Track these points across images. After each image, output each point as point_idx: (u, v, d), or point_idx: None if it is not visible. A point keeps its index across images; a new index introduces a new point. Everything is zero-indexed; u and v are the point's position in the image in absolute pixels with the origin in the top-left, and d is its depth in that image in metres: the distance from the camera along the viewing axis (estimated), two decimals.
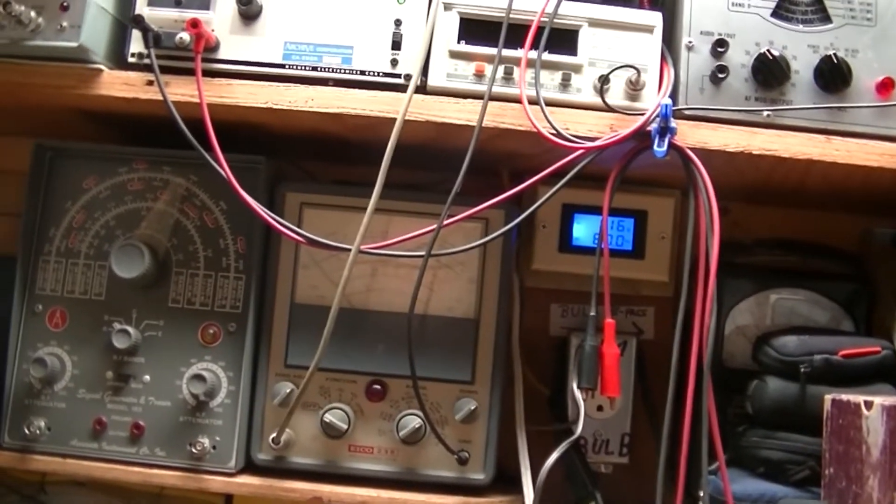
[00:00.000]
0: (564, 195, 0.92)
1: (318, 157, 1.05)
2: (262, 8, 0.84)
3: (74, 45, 0.80)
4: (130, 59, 0.83)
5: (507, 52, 0.82)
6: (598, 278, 0.83)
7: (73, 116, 0.91)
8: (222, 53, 0.84)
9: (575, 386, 0.86)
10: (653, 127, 0.79)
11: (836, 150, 0.81)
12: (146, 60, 0.82)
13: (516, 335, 0.96)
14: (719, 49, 0.83)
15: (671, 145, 0.79)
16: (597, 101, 0.82)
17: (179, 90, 0.82)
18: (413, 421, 0.87)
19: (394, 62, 0.84)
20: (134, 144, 0.92)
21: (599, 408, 0.97)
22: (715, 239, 0.78)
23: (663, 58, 0.84)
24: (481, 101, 0.80)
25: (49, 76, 0.82)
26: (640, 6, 0.88)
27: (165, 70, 0.82)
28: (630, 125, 0.79)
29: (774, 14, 0.84)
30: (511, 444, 0.92)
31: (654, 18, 0.85)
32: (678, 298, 0.80)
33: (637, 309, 1.05)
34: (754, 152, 0.81)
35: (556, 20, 0.82)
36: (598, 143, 0.79)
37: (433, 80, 0.83)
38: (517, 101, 0.81)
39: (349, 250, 0.81)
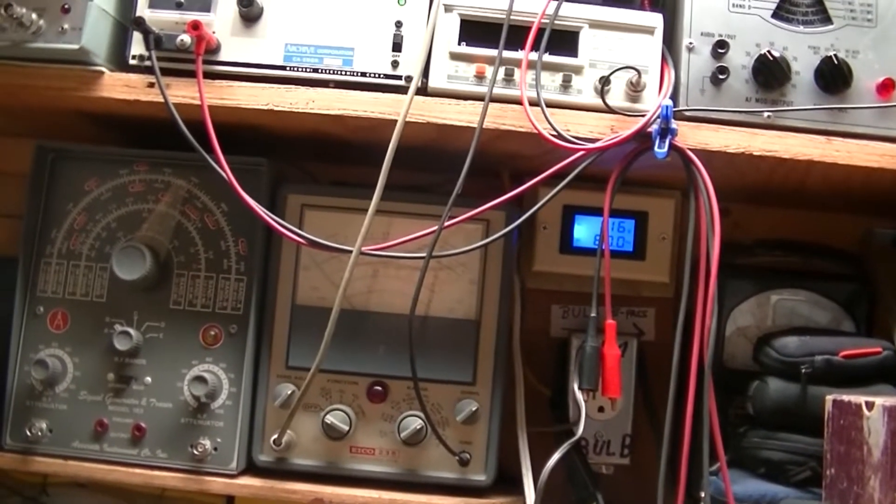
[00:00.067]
0: (565, 196, 0.92)
1: (318, 158, 1.05)
2: (262, 10, 0.84)
3: (76, 47, 0.80)
4: (131, 62, 0.84)
5: (507, 54, 0.82)
6: (599, 279, 0.83)
7: (74, 118, 0.91)
8: (223, 55, 0.84)
9: (576, 387, 0.86)
10: (653, 128, 0.79)
11: (836, 150, 0.81)
12: (147, 62, 0.82)
13: (517, 336, 0.96)
14: (720, 50, 0.83)
15: (672, 146, 0.79)
16: (597, 102, 0.82)
17: (180, 92, 0.82)
18: (414, 422, 0.87)
19: (394, 64, 0.84)
20: (135, 146, 0.92)
21: (600, 409, 0.97)
22: (716, 240, 0.78)
23: (664, 59, 0.84)
24: (482, 102, 0.80)
25: (50, 78, 0.82)
26: (641, 7, 0.88)
27: (166, 72, 0.82)
28: (631, 126, 0.79)
29: (775, 15, 0.84)
30: (512, 446, 0.92)
31: (655, 20, 0.85)
32: (679, 299, 0.81)
33: (638, 310, 1.05)
34: (755, 153, 0.81)
35: (556, 21, 0.83)
36: (598, 144, 0.79)
37: (434, 82, 0.83)
38: (518, 102, 0.81)
39: (350, 252, 0.81)
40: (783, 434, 0.84)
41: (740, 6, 0.84)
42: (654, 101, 0.82)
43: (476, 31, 0.84)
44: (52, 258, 0.90)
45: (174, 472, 0.87)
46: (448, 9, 0.84)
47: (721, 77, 0.83)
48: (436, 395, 0.89)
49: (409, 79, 0.83)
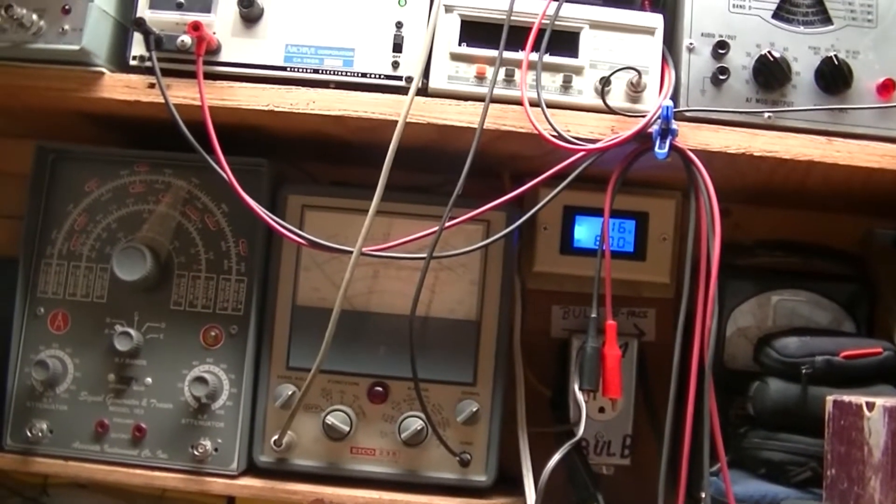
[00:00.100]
0: (566, 197, 0.92)
1: (319, 159, 1.05)
2: (263, 11, 0.84)
3: (76, 48, 0.80)
4: (132, 62, 0.84)
5: (508, 55, 0.82)
6: (600, 280, 0.83)
7: (74, 119, 0.91)
8: (224, 56, 0.84)
9: (576, 388, 0.86)
10: (654, 129, 0.79)
11: (837, 151, 0.81)
12: (148, 63, 0.82)
13: (518, 337, 0.96)
14: (720, 51, 0.83)
15: (672, 147, 0.79)
16: (598, 103, 0.82)
17: (181, 93, 0.82)
18: (415, 423, 0.87)
19: (395, 64, 0.84)
20: (136, 147, 0.92)
21: (601, 409, 0.97)
22: (716, 240, 0.78)
23: (664, 60, 0.84)
24: (482, 103, 0.80)
25: (51, 79, 0.82)
26: (641, 8, 0.88)
27: (167, 73, 0.82)
28: (631, 127, 0.79)
29: (775, 16, 0.84)
30: (513, 446, 0.92)
31: (655, 20, 0.85)
32: (679, 300, 0.81)
33: (638, 310, 1.05)
34: (755, 154, 0.81)
35: (557, 22, 0.83)
36: (599, 144, 0.79)
37: (434, 83, 0.83)
38: (518, 103, 0.81)
39: (351, 252, 0.81)
40: (784, 434, 0.84)
41: (741, 7, 0.84)
42: (654, 101, 0.82)
43: (476, 31, 0.84)
44: (53, 259, 0.90)
45: (175, 473, 0.87)
46: (448, 9, 0.84)
47: (721, 77, 0.83)
48: (436, 396, 0.89)
49: (409, 79, 0.83)
